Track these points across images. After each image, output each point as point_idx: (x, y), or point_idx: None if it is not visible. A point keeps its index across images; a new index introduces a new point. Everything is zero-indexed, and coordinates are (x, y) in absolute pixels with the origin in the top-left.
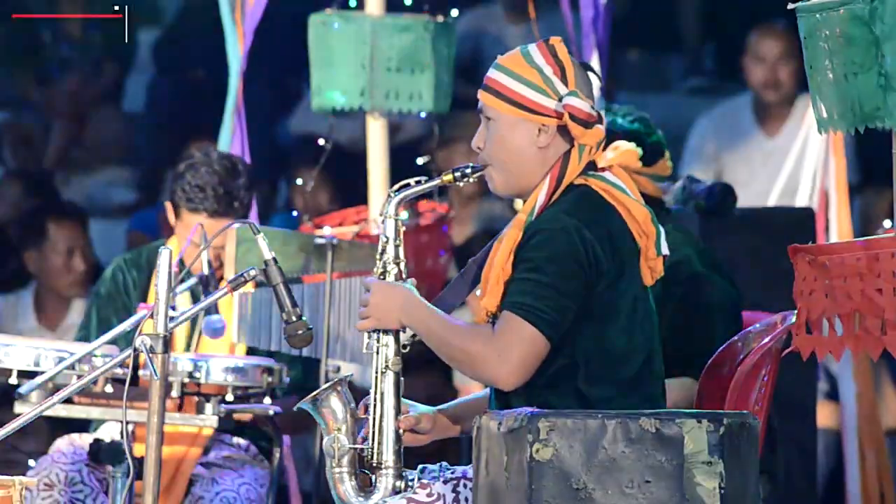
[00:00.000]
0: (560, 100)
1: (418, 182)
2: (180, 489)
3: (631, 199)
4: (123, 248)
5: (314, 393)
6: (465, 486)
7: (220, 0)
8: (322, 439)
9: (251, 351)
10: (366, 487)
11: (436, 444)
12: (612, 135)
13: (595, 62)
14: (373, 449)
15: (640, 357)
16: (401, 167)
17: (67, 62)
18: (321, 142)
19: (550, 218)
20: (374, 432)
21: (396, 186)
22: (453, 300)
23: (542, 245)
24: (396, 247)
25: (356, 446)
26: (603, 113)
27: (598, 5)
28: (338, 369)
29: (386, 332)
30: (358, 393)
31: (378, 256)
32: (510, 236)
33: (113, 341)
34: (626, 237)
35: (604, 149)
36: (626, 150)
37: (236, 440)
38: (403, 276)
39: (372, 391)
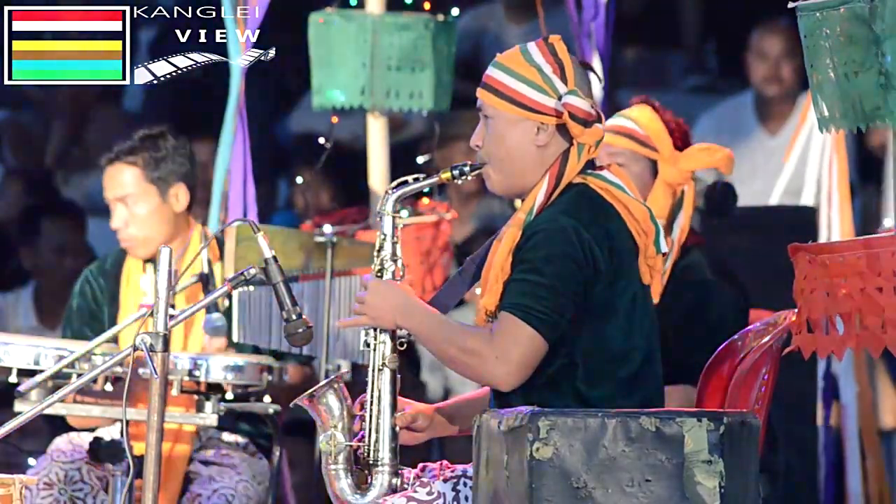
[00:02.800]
0: (559, 98)
1: (416, 179)
2: (175, 486)
3: (629, 198)
4: None
5: (310, 390)
6: (465, 484)
7: None
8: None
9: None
10: (362, 485)
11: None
12: (686, 136)
13: (597, 62)
14: (369, 446)
15: (639, 356)
16: (401, 165)
17: None
18: (321, 141)
19: (548, 218)
20: (370, 429)
21: (394, 184)
22: (450, 300)
23: (539, 245)
24: (394, 244)
25: (352, 443)
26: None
27: (600, 5)
28: (338, 368)
29: (382, 329)
30: (354, 390)
31: (375, 253)
32: (509, 235)
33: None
34: (625, 236)
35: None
36: (726, 155)
37: (235, 438)
38: (401, 273)
39: (368, 388)
